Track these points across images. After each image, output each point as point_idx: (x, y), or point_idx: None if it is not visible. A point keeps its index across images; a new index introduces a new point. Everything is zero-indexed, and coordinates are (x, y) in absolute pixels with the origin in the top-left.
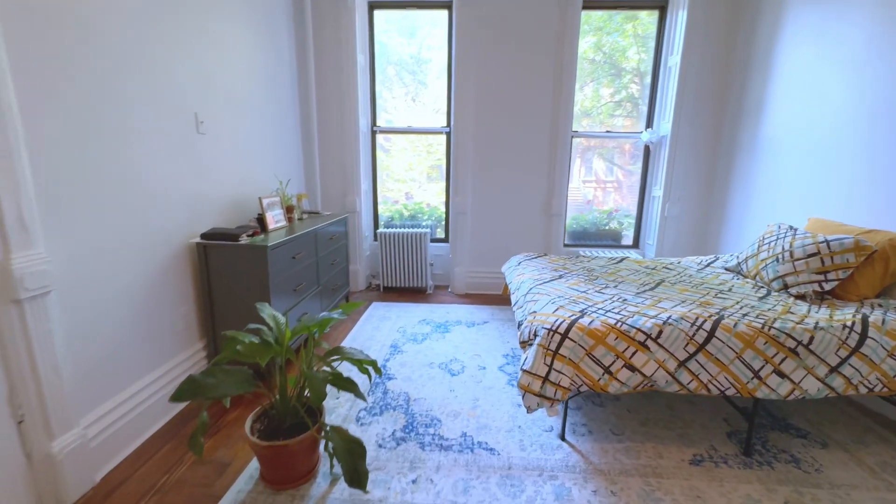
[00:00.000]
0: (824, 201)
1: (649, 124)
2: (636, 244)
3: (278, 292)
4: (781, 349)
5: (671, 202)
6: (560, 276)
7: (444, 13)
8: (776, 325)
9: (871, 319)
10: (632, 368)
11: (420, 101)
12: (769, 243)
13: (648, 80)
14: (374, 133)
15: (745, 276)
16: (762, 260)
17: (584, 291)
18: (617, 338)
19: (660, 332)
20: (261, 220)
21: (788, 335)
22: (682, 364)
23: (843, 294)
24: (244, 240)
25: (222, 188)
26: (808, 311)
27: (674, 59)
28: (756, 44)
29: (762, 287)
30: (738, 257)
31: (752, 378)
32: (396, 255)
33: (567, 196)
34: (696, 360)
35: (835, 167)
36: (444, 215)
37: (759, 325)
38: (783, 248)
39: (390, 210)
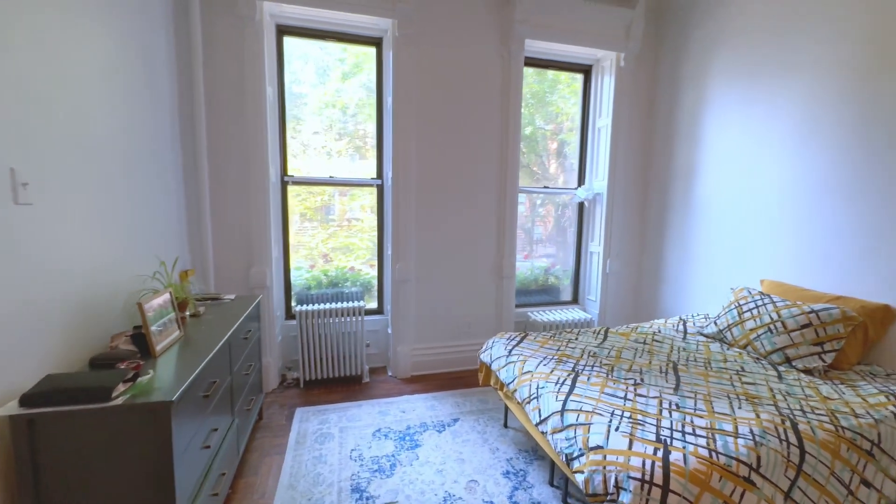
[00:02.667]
0: (769, 262)
1: (581, 181)
2: (576, 300)
3: (185, 467)
4: (861, 454)
5: (611, 258)
6: (575, 372)
7: (371, 51)
8: (843, 423)
9: None
10: None
11: (342, 149)
12: (750, 311)
13: (577, 138)
14: (284, 185)
15: (731, 345)
16: (751, 329)
17: (623, 397)
18: (721, 478)
19: (758, 459)
20: (140, 340)
21: (862, 436)
22: (787, 496)
23: (836, 364)
24: (120, 393)
25: (63, 288)
26: (837, 392)
27: (603, 122)
28: (681, 115)
29: (760, 359)
30: (715, 323)
31: (847, 495)
32: (322, 337)
33: (516, 256)
34: (799, 488)
35: (776, 232)
36: (375, 280)
37: (834, 428)
38: (772, 318)
39: (305, 278)
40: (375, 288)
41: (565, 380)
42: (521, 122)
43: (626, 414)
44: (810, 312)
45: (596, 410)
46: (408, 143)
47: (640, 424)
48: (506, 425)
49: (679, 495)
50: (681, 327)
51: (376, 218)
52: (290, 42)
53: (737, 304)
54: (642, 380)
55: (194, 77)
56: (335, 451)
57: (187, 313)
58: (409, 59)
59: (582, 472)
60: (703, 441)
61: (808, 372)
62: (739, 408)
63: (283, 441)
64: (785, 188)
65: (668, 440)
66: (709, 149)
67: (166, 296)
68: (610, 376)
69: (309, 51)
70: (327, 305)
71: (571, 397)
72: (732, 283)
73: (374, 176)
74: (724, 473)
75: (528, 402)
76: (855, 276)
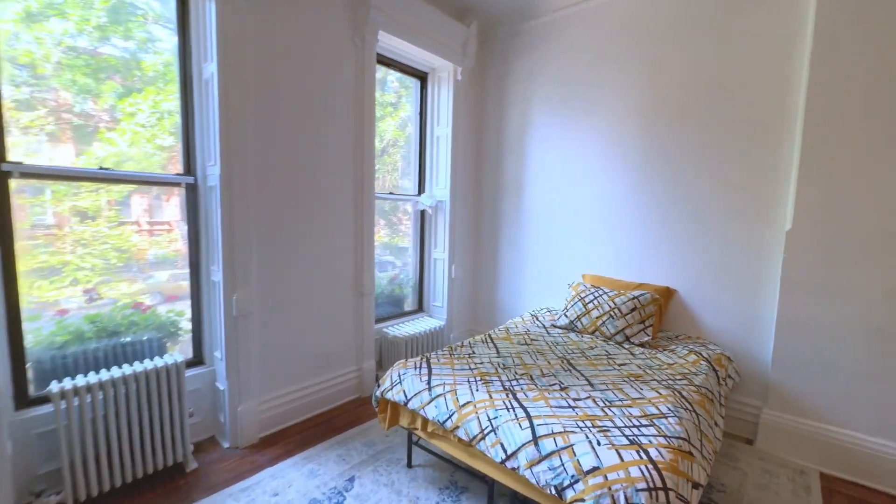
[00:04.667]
0: (589, 260)
1: (421, 189)
2: (421, 308)
3: None
4: (709, 402)
5: (455, 264)
6: (510, 391)
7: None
8: (696, 382)
9: (706, 354)
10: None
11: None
12: (592, 301)
13: (414, 145)
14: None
15: (582, 333)
16: (598, 317)
17: (568, 406)
18: (683, 459)
19: (687, 432)
20: None
21: (708, 388)
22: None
23: (651, 336)
24: None
25: None
26: (669, 358)
27: (442, 131)
28: (509, 134)
29: (608, 341)
30: (565, 315)
31: (714, 438)
32: (112, 422)
33: (374, 267)
34: (703, 445)
35: (593, 235)
36: (186, 320)
37: (695, 388)
38: (611, 306)
39: (52, 333)
40: (188, 330)
41: (512, 403)
42: (375, 119)
43: (588, 423)
44: (633, 298)
45: (566, 429)
46: (243, 129)
47: (605, 431)
48: (410, 465)
49: (676, 492)
50: (538, 323)
51: (189, 232)
52: None
53: (580, 297)
54: (561, 382)
55: None
56: None
57: None
58: (244, 22)
59: (583, 499)
60: (652, 430)
61: (641, 345)
62: (640, 389)
63: None
64: (598, 200)
65: (635, 439)
66: (534, 165)
67: None
68: (538, 387)
69: None
70: (123, 372)
71: (535, 421)
72: (560, 280)
73: (182, 172)
74: (684, 455)
75: (483, 439)
76: (648, 267)
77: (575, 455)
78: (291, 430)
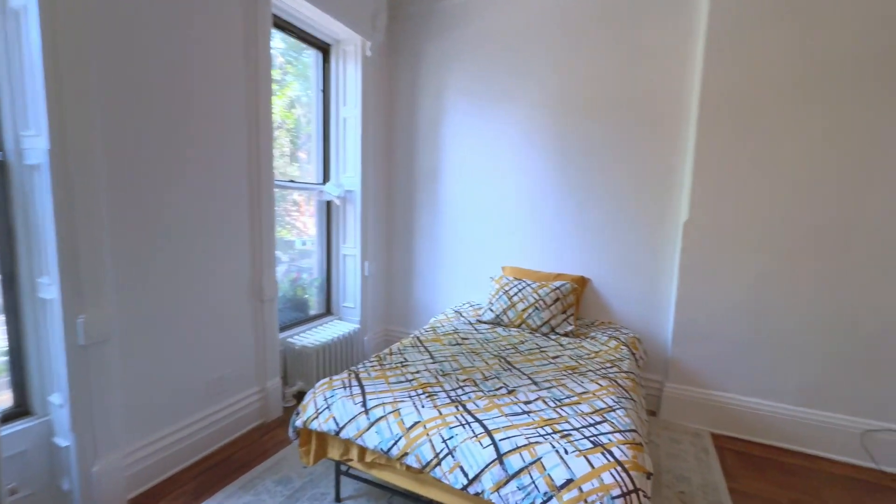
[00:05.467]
0: (507, 251)
1: (326, 177)
2: (329, 311)
3: None
4: (638, 385)
5: (369, 260)
6: (458, 402)
7: None
8: (625, 368)
9: (623, 339)
10: None
11: None
12: (517, 294)
13: (315, 128)
14: None
15: (508, 326)
16: (523, 310)
17: (523, 412)
18: (640, 454)
19: (633, 422)
20: None
21: (634, 373)
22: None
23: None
24: None
25: None
26: (594, 345)
27: (350, 112)
28: (422, 120)
29: (534, 333)
30: (490, 309)
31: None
32: None
33: (275, 267)
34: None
35: (510, 227)
36: (3, 359)
37: (625, 374)
38: (535, 298)
39: None
40: (1, 370)
41: (465, 417)
42: (272, 90)
43: (548, 430)
44: (556, 289)
45: (529, 440)
46: (84, 85)
47: (566, 436)
48: (339, 498)
49: (644, 492)
50: (463, 319)
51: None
52: None
53: (504, 291)
54: (506, 385)
55: None
56: None
57: None
58: None
59: None
60: (607, 426)
61: (566, 335)
62: (581, 382)
63: None
64: (516, 191)
65: (596, 439)
66: (450, 153)
67: None
68: (485, 393)
69: None
70: None
71: (496, 436)
72: (480, 272)
73: None
74: (638, 448)
75: (438, 465)
76: (564, 258)
77: (545, 469)
78: (180, 479)
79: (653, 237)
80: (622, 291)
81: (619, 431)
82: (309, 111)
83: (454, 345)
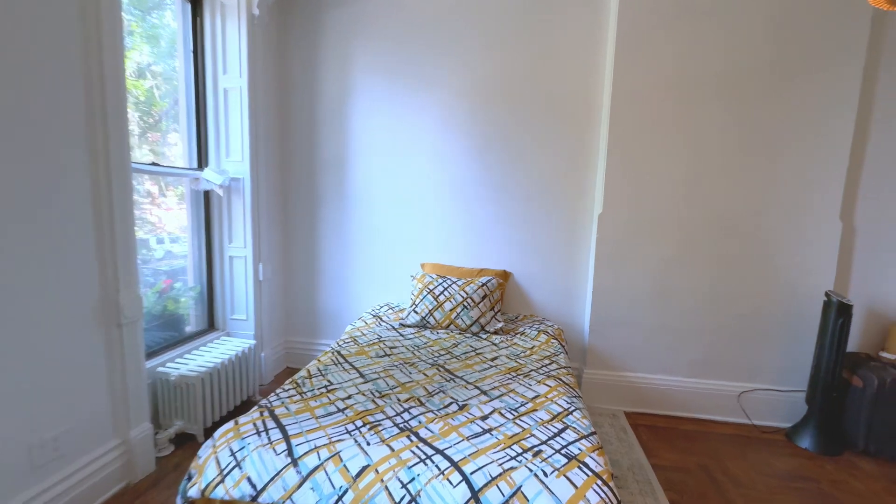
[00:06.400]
0: (426, 247)
1: (202, 161)
2: (213, 326)
3: None
4: (575, 379)
5: (263, 262)
6: (408, 431)
7: None
8: (562, 363)
9: (550, 332)
10: None
11: None
12: (443, 293)
13: (185, 100)
14: None
15: (435, 328)
16: (451, 309)
17: (484, 431)
18: (605, 457)
19: (591, 424)
20: None
21: (570, 367)
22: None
23: None
24: None
25: None
26: (525, 342)
27: (232, 82)
28: (324, 98)
29: (464, 334)
30: (414, 311)
31: None
32: None
33: (138, 281)
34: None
35: (429, 221)
36: None
37: (566, 371)
38: (463, 297)
39: None
40: None
41: (423, 450)
42: (123, 45)
43: (517, 448)
44: (482, 285)
45: (502, 466)
46: None
47: (539, 453)
48: None
49: (618, 499)
50: (385, 324)
51: None
52: None
53: (428, 290)
54: (455, 399)
55: None
56: None
57: None
58: None
59: None
60: (571, 434)
61: (496, 333)
62: (528, 385)
63: None
64: (433, 182)
65: (567, 451)
66: (360, 139)
67: None
68: (435, 412)
69: None
70: None
71: (463, 468)
72: (396, 270)
73: None
74: (601, 451)
75: None
76: (485, 252)
77: (528, 500)
78: None
79: (571, 230)
80: (543, 284)
81: (585, 437)
82: (166, 82)
83: (382, 356)
